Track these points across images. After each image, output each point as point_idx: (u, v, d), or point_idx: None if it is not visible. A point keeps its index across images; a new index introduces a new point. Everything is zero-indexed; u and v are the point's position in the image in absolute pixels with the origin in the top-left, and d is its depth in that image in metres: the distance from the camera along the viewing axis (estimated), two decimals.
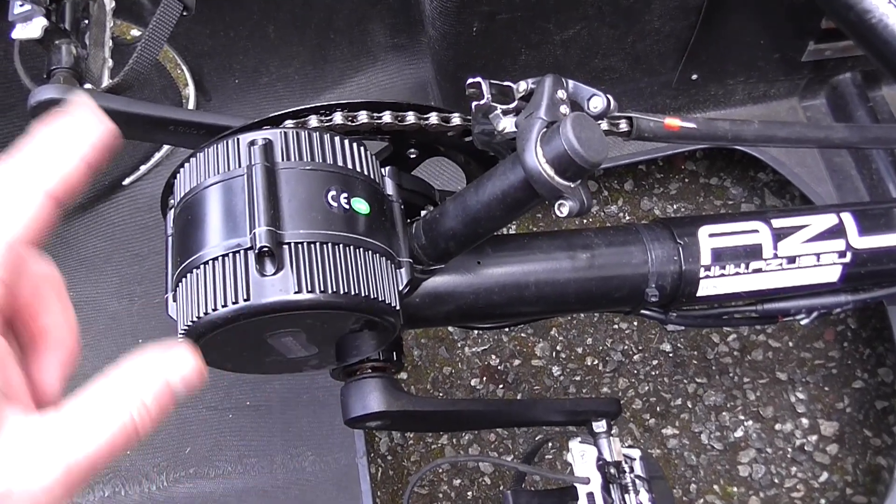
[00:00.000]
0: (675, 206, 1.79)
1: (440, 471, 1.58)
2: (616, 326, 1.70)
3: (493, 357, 1.68)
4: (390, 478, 1.58)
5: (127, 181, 1.47)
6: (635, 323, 1.70)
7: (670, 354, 1.67)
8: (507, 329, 1.67)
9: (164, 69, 1.50)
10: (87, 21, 0.89)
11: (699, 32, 1.34)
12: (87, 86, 0.84)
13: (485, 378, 1.66)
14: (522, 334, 1.69)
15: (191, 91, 1.49)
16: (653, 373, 1.66)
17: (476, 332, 1.68)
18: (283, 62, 1.54)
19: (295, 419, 1.35)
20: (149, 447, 1.31)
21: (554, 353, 1.67)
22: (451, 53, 1.32)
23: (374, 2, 1.53)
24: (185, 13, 0.83)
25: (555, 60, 1.34)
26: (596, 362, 1.67)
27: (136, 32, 1.50)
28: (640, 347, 1.68)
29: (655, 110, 1.54)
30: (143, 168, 1.48)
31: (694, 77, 1.47)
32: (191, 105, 1.50)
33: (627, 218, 1.79)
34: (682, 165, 1.83)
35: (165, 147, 1.50)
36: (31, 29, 0.81)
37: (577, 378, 1.65)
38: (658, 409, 1.63)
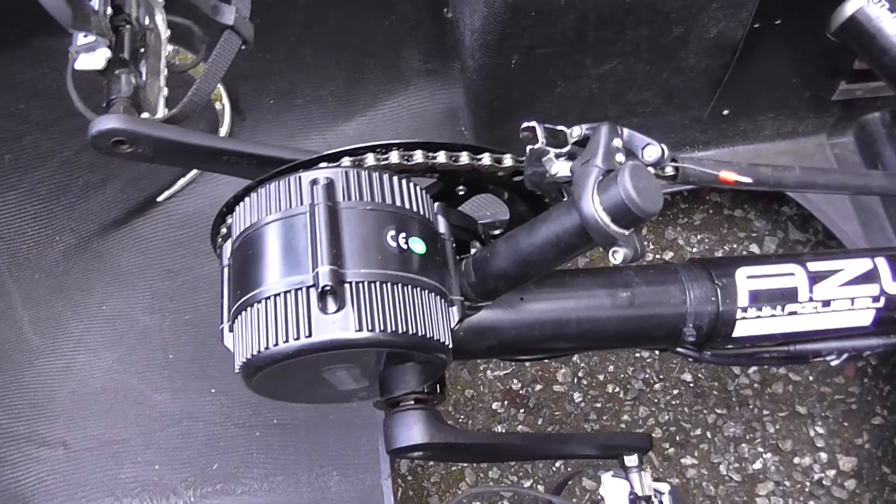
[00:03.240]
0: (698, 237, 1.80)
1: (459, 492, 1.59)
2: (637, 355, 1.71)
3: (515, 381, 1.69)
4: (410, 498, 1.59)
5: (161, 197, 1.48)
6: (657, 352, 1.71)
7: (691, 385, 1.68)
8: None
9: None
10: (143, 50, 0.91)
11: (734, 70, 1.36)
12: (145, 115, 0.86)
13: (506, 402, 1.67)
14: (545, 360, 1.70)
15: (226, 112, 1.51)
16: (673, 402, 1.67)
17: None
18: (318, 84, 1.57)
19: (321, 439, 1.36)
20: (177, 462, 1.33)
21: (575, 380, 1.69)
22: (488, 84, 1.34)
23: (410, 28, 1.55)
24: (243, 47, 0.85)
25: (590, 93, 1.36)
26: (617, 390, 1.68)
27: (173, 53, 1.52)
28: (661, 376, 1.69)
29: (685, 143, 1.55)
30: (179, 183, 1.49)
31: (725, 112, 1.48)
32: (225, 125, 1.52)
33: (651, 247, 1.80)
34: (707, 196, 1.84)
35: None
36: (94, 60, 0.83)
37: (598, 405, 1.66)
38: (678, 438, 1.63)
